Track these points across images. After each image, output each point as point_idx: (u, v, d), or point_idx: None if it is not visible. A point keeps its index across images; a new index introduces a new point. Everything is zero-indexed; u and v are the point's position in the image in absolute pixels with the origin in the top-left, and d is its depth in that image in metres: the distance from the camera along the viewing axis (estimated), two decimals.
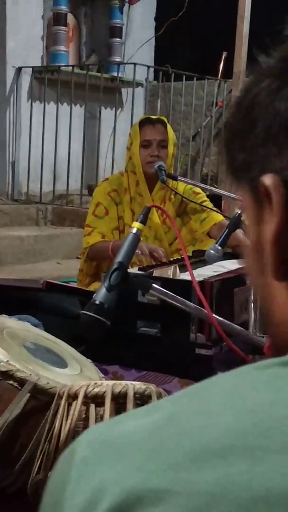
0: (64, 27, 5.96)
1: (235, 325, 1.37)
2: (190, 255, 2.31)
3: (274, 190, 0.50)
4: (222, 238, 2.01)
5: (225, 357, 1.66)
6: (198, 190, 2.87)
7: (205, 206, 2.77)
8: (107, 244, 2.65)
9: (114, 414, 1.03)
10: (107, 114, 6.08)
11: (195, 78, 6.20)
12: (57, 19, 5.92)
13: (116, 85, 6.03)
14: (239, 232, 2.14)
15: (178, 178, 2.74)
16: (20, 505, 1.18)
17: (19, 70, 5.85)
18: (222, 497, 0.40)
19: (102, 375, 1.43)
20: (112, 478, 0.43)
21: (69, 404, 1.10)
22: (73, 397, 1.10)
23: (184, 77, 6.18)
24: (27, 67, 5.87)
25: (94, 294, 1.27)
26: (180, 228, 2.84)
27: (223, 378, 0.48)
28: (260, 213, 0.53)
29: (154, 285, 1.36)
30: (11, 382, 1.18)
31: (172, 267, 1.77)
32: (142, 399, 1.07)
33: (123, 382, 1.09)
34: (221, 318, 1.34)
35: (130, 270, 1.69)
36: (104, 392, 1.06)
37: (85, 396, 1.07)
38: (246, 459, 0.41)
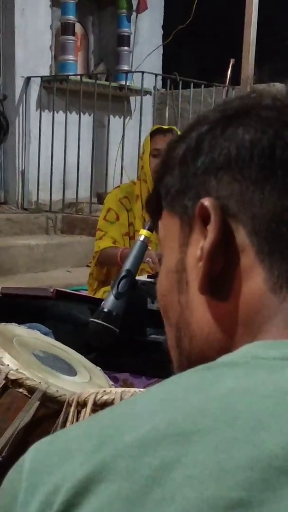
0: (72, 36, 5.99)
1: None
2: None
3: (213, 209, 0.56)
4: None
5: None
6: None
7: None
8: (116, 251, 2.67)
9: None
10: (115, 122, 6.10)
11: (203, 86, 6.21)
12: (65, 29, 5.95)
13: (124, 93, 6.05)
14: None
15: None
16: None
17: (28, 79, 5.88)
18: (161, 479, 0.44)
19: (111, 382, 1.43)
20: (62, 478, 0.46)
21: (79, 412, 1.10)
22: (82, 405, 1.10)
23: (192, 84, 6.19)
24: (36, 76, 5.90)
25: (103, 302, 1.27)
26: None
27: (164, 382, 0.52)
28: (186, 237, 0.59)
29: None
30: (20, 390, 1.19)
31: None
32: None
33: (132, 390, 1.09)
34: None
35: (139, 277, 1.69)
36: (113, 399, 1.06)
37: (94, 403, 1.07)
38: (178, 443, 0.45)
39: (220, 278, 0.56)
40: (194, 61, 6.53)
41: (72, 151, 5.83)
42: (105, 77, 6.30)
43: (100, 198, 5.65)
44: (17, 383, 1.19)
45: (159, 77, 6.45)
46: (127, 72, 6.18)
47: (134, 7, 6.48)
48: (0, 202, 6.01)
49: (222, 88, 6.34)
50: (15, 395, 1.18)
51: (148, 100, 6.26)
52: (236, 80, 5.38)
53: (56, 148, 5.84)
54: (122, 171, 5.76)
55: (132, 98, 6.47)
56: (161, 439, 0.45)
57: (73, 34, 6.03)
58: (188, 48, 6.59)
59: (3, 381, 1.18)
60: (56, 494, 0.46)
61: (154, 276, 1.90)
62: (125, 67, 6.44)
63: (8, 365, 1.20)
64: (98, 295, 2.61)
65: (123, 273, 1.30)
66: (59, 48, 6.05)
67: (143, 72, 5.77)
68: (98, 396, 1.08)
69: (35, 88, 5.96)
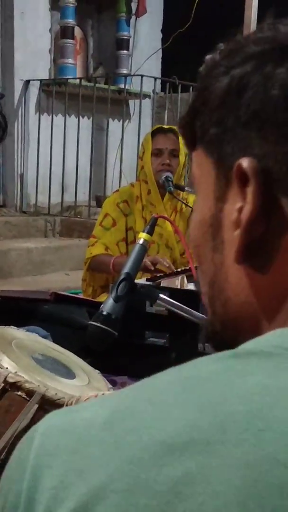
0: (71, 40, 6.00)
1: None
2: None
3: (253, 176, 0.49)
4: None
5: None
6: None
7: None
8: (109, 259, 2.66)
9: None
10: (114, 126, 6.10)
11: None
12: (64, 32, 5.96)
13: (124, 97, 6.06)
14: None
15: (186, 189, 2.75)
16: None
17: (27, 83, 5.89)
18: (182, 494, 0.40)
19: (110, 386, 1.42)
20: (74, 473, 0.43)
21: None
22: None
23: (191, 88, 6.19)
24: (35, 80, 5.91)
25: (102, 305, 1.27)
26: None
27: (178, 369, 0.48)
28: (223, 191, 0.52)
29: (161, 296, 1.36)
30: (19, 393, 1.18)
31: (180, 277, 1.78)
32: None
33: None
34: None
35: (138, 280, 1.69)
36: None
37: None
38: (203, 453, 0.41)
39: (260, 248, 0.50)
40: (193, 64, 6.51)
41: (71, 155, 5.83)
42: (104, 80, 6.31)
43: (99, 202, 5.65)
44: (15, 386, 1.19)
45: (158, 81, 6.46)
46: (126, 76, 6.18)
47: (134, 11, 6.49)
48: None
49: None
50: (14, 398, 1.18)
51: (147, 103, 6.27)
52: None
53: (55, 152, 5.84)
54: (121, 174, 5.77)
55: (131, 102, 6.48)
56: (183, 446, 0.41)
57: (72, 37, 6.03)
58: (187, 51, 6.58)
59: (2, 384, 1.18)
60: (68, 490, 0.42)
61: (153, 279, 1.90)
62: (124, 71, 6.45)
63: (6, 368, 1.20)
64: (100, 299, 2.60)
65: (122, 276, 1.30)
66: (58, 52, 6.06)
67: (142, 76, 5.77)
68: (97, 399, 1.08)
69: (34, 92, 5.96)
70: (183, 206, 2.85)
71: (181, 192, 2.78)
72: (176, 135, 2.80)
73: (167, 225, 2.78)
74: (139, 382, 0.49)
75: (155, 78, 6.19)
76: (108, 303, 1.27)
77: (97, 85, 5.95)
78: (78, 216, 5.88)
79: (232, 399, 0.43)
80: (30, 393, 1.18)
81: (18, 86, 5.87)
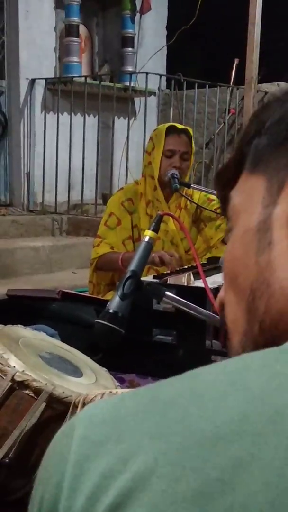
0: (76, 38, 6.00)
1: None
2: (205, 262, 2.31)
3: None
4: None
5: None
6: (213, 197, 2.86)
7: (219, 213, 2.77)
8: (117, 255, 2.65)
9: None
10: (120, 123, 6.10)
11: (207, 86, 6.21)
12: (69, 31, 5.96)
13: (129, 94, 6.05)
14: None
15: (192, 185, 2.74)
16: None
17: (32, 81, 5.89)
18: (230, 484, 0.40)
19: (117, 383, 1.43)
20: (120, 462, 0.43)
21: None
22: None
23: (196, 85, 6.19)
24: (40, 78, 5.91)
25: (108, 303, 1.28)
26: (196, 236, 2.84)
27: (225, 363, 0.48)
28: (274, 198, 0.56)
29: (168, 293, 1.36)
30: (27, 391, 1.19)
31: (186, 274, 1.77)
32: None
33: None
34: None
35: (144, 278, 1.69)
36: None
37: None
38: (254, 444, 0.41)
39: None
40: (198, 61, 6.53)
41: (77, 153, 5.84)
42: (109, 78, 6.31)
43: (106, 199, 5.65)
44: (23, 384, 1.19)
45: (163, 78, 6.45)
46: (131, 73, 6.18)
47: (138, 8, 6.48)
48: (5, 204, 6.02)
49: (227, 88, 6.35)
50: (22, 397, 1.19)
51: (152, 101, 6.27)
52: (240, 80, 5.38)
53: (61, 150, 5.85)
54: (127, 172, 5.77)
55: (136, 99, 6.48)
56: (232, 436, 0.42)
57: (77, 35, 6.03)
58: (192, 48, 6.59)
59: (10, 383, 1.19)
60: (112, 479, 0.42)
61: (159, 276, 1.90)
62: (129, 68, 6.44)
63: (14, 366, 1.21)
64: (107, 297, 2.60)
65: (128, 274, 1.30)
66: (63, 50, 6.07)
67: (147, 73, 5.77)
68: (104, 397, 1.08)
69: (39, 90, 5.97)
70: (188, 202, 2.85)
71: (185, 188, 2.76)
72: (188, 136, 2.77)
73: (171, 223, 2.78)
74: (180, 375, 0.49)
75: (160, 75, 6.18)
76: (114, 301, 1.27)
77: (102, 83, 5.95)
78: (85, 214, 5.88)
79: (283, 391, 0.43)
80: (37, 391, 1.18)
81: (23, 85, 5.88)
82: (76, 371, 1.35)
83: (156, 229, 1.40)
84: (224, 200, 0.63)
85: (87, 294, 2.49)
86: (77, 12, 5.96)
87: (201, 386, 0.46)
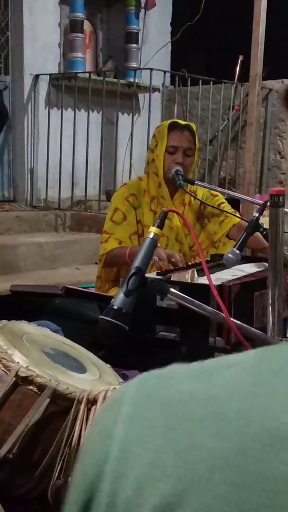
0: (80, 34, 6.00)
1: (253, 329, 1.37)
2: (209, 259, 2.31)
3: None
4: (240, 241, 2.00)
5: None
6: (216, 192, 2.87)
7: (222, 210, 2.77)
8: (124, 250, 2.65)
9: None
10: (124, 119, 6.10)
11: (211, 82, 6.20)
12: (74, 26, 5.96)
13: (133, 90, 6.05)
14: (258, 234, 2.13)
15: (196, 182, 2.74)
16: (41, 510, 1.19)
17: (36, 77, 5.89)
18: None
19: (121, 379, 1.43)
20: (171, 452, 0.39)
21: (89, 409, 1.10)
22: (92, 402, 1.10)
23: (200, 81, 6.18)
24: (45, 74, 5.91)
25: (112, 299, 1.28)
26: (199, 232, 2.84)
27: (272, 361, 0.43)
28: None
29: (172, 290, 1.36)
30: (31, 387, 1.19)
31: (190, 271, 1.77)
32: None
33: None
34: (239, 322, 1.33)
35: (148, 274, 1.69)
36: None
37: (105, 401, 1.08)
38: None
39: None
40: (203, 57, 6.52)
41: (80, 149, 5.84)
42: (113, 74, 6.30)
43: (109, 196, 5.65)
44: (27, 380, 1.19)
45: (168, 74, 6.44)
46: (135, 69, 6.17)
47: (143, 4, 6.47)
48: (9, 199, 6.03)
49: (231, 84, 6.34)
50: (25, 392, 1.19)
51: (156, 97, 6.26)
52: (245, 76, 5.37)
53: (64, 146, 5.85)
54: (130, 168, 5.76)
55: (140, 95, 6.47)
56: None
57: (82, 31, 6.03)
58: (196, 44, 6.58)
59: (14, 379, 1.19)
60: (162, 473, 0.38)
61: (163, 273, 1.90)
62: (134, 64, 6.43)
63: (18, 362, 1.21)
64: (111, 294, 2.60)
65: (132, 271, 1.30)
66: (67, 46, 6.06)
67: (151, 69, 5.76)
68: (108, 394, 1.08)
69: (43, 86, 5.96)
70: (192, 199, 2.84)
71: (189, 185, 2.76)
72: (191, 132, 2.76)
73: (176, 219, 2.77)
74: (254, 355, 0.43)
75: (165, 72, 6.17)
76: (118, 297, 1.27)
77: (106, 79, 5.94)
78: (89, 210, 5.88)
79: None
80: (41, 387, 1.19)
81: (27, 81, 5.87)
82: (80, 367, 1.35)
83: (160, 226, 1.40)
84: None
85: (90, 290, 2.49)
86: (82, 8, 5.95)
87: (261, 378, 0.41)
